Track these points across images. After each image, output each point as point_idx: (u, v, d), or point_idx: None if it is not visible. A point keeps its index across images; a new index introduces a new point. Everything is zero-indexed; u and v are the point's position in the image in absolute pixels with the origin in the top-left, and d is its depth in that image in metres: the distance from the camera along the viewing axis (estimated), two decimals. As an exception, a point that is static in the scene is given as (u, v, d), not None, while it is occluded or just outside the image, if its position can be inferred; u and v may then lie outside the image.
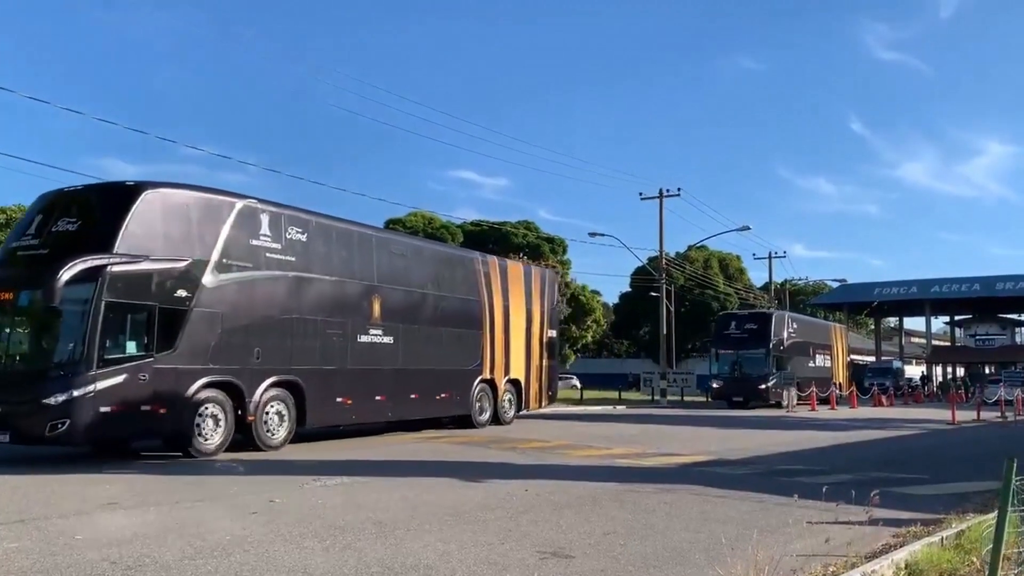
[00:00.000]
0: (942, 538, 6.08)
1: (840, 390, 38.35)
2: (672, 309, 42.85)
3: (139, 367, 10.93)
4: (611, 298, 68.43)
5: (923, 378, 58.45)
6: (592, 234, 38.59)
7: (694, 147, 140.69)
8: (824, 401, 34.35)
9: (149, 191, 11.40)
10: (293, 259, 13.33)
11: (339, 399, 14.14)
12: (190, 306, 11.58)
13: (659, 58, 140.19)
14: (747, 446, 14.99)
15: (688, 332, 56.87)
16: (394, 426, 16.91)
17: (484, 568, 5.42)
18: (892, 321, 78.90)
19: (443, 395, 17.04)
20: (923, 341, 68.91)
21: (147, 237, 11.16)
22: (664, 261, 40.44)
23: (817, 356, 38.55)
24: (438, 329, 17.01)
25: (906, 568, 5.31)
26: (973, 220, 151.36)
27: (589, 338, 49.68)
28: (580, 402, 34.63)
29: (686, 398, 38.87)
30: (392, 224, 39.14)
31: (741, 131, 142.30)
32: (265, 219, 12.90)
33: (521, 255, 41.56)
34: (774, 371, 32.95)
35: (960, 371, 66.81)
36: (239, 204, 12.59)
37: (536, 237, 45.18)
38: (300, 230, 13.53)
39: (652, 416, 26.11)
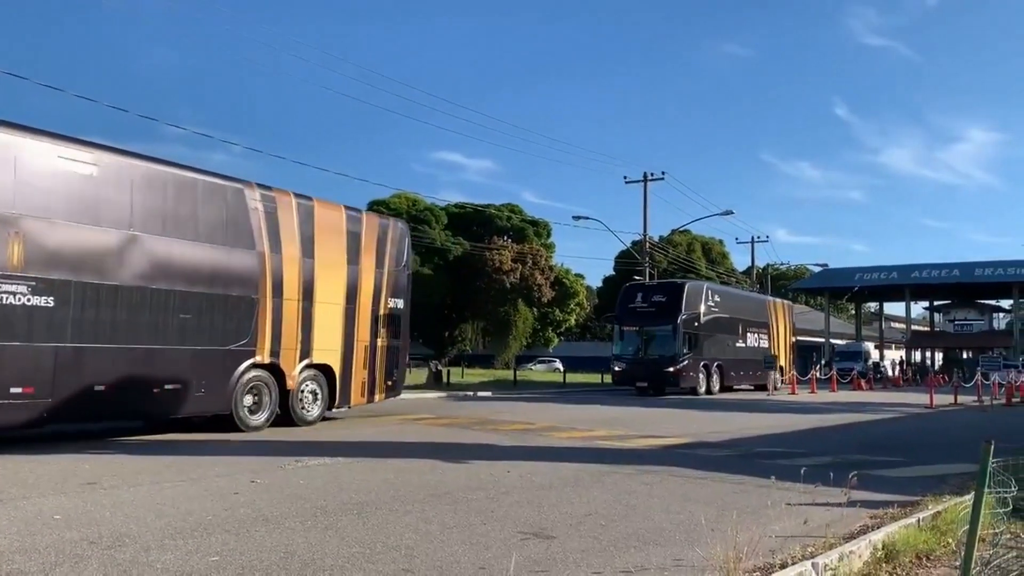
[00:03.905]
0: (919, 520, 6.16)
1: (782, 374, 34.88)
2: (655, 293, 42.88)
3: None
4: (595, 281, 68.73)
5: (900, 363, 59.14)
6: (576, 217, 38.81)
7: (679, 131, 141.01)
8: (763, 387, 31.79)
9: None
10: None
11: None
12: None
13: (644, 42, 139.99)
14: (727, 429, 15.13)
15: (671, 316, 56.94)
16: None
17: (465, 548, 5.44)
18: (873, 306, 79.73)
19: (170, 386, 11.97)
20: (903, 326, 69.65)
21: None
22: (648, 245, 40.53)
23: (749, 335, 33.62)
24: (162, 290, 11.83)
25: (883, 549, 5.39)
26: (955, 207, 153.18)
27: (573, 321, 49.89)
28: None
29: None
30: (376, 205, 38.44)
31: (726, 116, 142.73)
32: None
33: (506, 238, 41.63)
34: (685, 351, 28.50)
35: (939, 356, 67.76)
36: None
37: (521, 220, 45.00)
38: None
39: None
